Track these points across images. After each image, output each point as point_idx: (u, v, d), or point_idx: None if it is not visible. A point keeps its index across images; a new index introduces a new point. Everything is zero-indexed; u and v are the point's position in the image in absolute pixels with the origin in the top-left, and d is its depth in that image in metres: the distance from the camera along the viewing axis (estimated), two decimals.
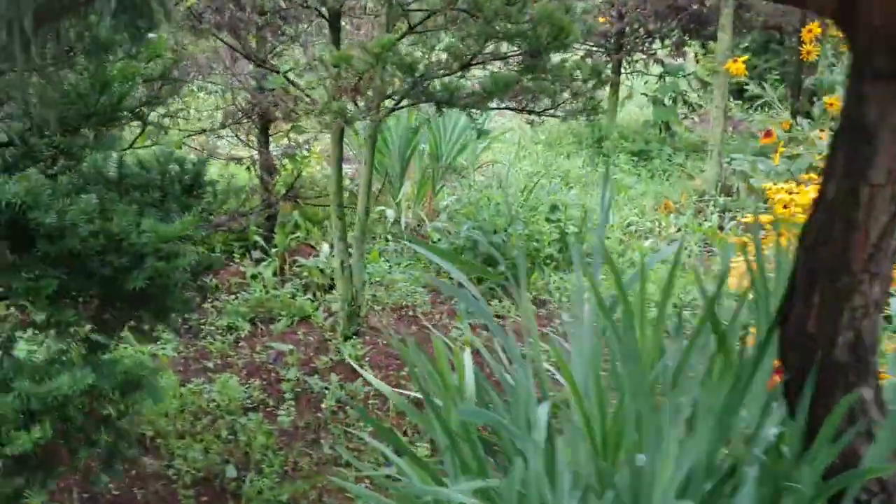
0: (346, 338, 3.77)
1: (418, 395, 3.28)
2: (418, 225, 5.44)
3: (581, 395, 1.87)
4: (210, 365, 3.58)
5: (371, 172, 3.71)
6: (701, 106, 8.03)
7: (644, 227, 5.59)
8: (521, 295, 2.20)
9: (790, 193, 3.34)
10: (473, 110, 3.05)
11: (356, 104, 3.04)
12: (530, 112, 3.23)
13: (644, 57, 7.66)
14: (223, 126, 4.12)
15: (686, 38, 7.37)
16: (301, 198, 4.97)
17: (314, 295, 4.35)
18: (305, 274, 4.55)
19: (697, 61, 7.82)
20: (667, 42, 7.45)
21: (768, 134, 5.98)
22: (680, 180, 6.72)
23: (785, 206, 3.49)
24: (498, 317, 4.16)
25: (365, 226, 3.75)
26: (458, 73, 3.11)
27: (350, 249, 3.79)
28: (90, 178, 2.04)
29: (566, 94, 3.26)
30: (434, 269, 4.71)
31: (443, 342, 2.39)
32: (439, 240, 4.90)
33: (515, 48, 3.00)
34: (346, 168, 5.76)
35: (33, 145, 2.03)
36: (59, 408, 1.64)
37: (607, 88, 7.59)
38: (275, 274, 4.52)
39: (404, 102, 3.21)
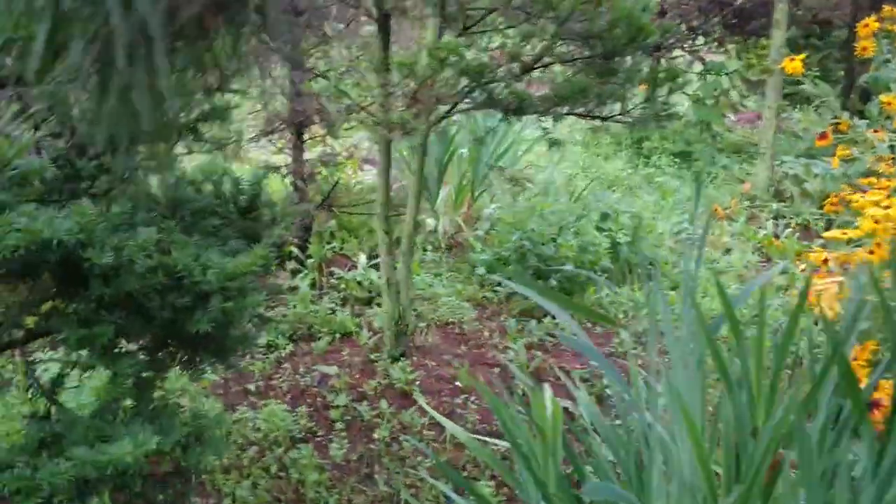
0: (394, 359, 3.54)
1: (468, 425, 3.05)
2: (455, 232, 5.21)
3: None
4: (252, 388, 3.36)
5: (421, 183, 3.48)
6: (744, 105, 7.75)
7: (695, 234, 5.33)
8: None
9: (884, 207, 3.09)
10: (542, 117, 2.82)
11: (415, 112, 2.80)
12: (597, 118, 2.99)
13: (685, 54, 7.38)
14: (265, 134, 3.90)
15: (728, 34, 7.09)
16: (336, 206, 4.75)
17: (353, 309, 4.13)
18: (343, 287, 4.34)
19: (740, 58, 7.54)
20: (708, 39, 7.18)
21: (823, 136, 5.71)
22: (726, 184, 6.46)
23: (877, 221, 3.24)
24: (550, 335, 3.93)
25: (413, 240, 3.52)
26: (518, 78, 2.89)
27: (396, 264, 3.56)
28: (141, 203, 1.81)
29: (637, 99, 3.01)
30: (477, 282, 4.48)
31: (526, 381, 2.16)
32: (482, 250, 4.66)
33: (586, 50, 2.76)
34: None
35: (79, 168, 1.81)
36: (118, 476, 1.42)
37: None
38: (312, 286, 4.30)
39: (461, 107, 2.98)
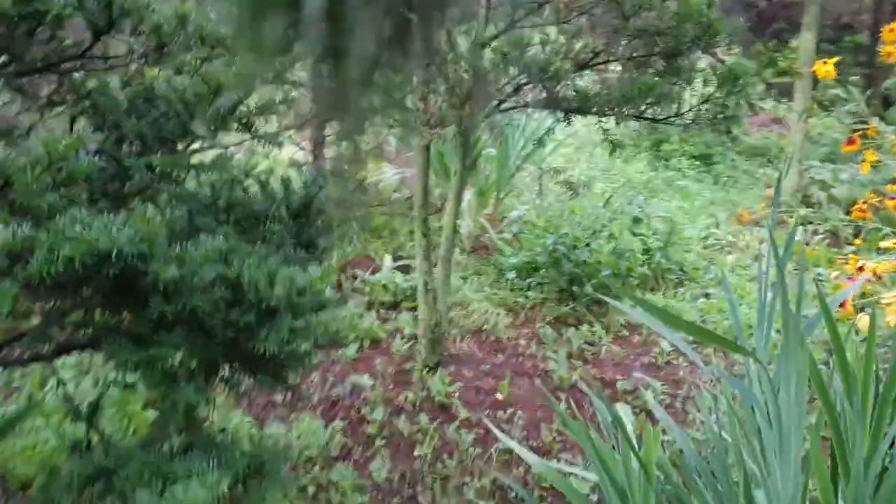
0: (429, 369, 3.36)
1: (510, 441, 2.87)
2: (479, 234, 5.03)
3: None
4: (279, 399, 3.17)
5: (462, 184, 3.30)
6: (763, 108, 7.61)
7: (722, 239, 5.17)
8: None
9: None
10: (603, 118, 2.64)
11: (467, 111, 2.62)
12: (655, 120, 2.81)
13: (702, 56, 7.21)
14: (289, 129, 3.70)
15: (751, 35, 6.93)
16: (359, 206, 4.56)
17: (379, 314, 3.95)
18: (368, 290, 4.15)
19: (761, 61, 7.40)
20: (732, 39, 7.01)
21: (851, 141, 5.56)
22: (749, 188, 6.30)
23: None
24: (589, 343, 3.76)
25: (453, 243, 3.34)
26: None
27: (434, 269, 3.38)
28: (192, 207, 1.63)
29: (693, 101, 2.84)
30: (507, 287, 4.30)
31: (605, 404, 1.98)
32: (511, 253, 4.49)
33: (650, 47, 2.58)
34: (392, 174, 5.35)
35: (126, 165, 1.62)
36: None
37: None
38: (333, 289, 4.11)
39: (511, 106, 2.79)
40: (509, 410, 3.14)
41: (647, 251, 4.42)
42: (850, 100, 5.64)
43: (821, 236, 5.15)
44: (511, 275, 4.33)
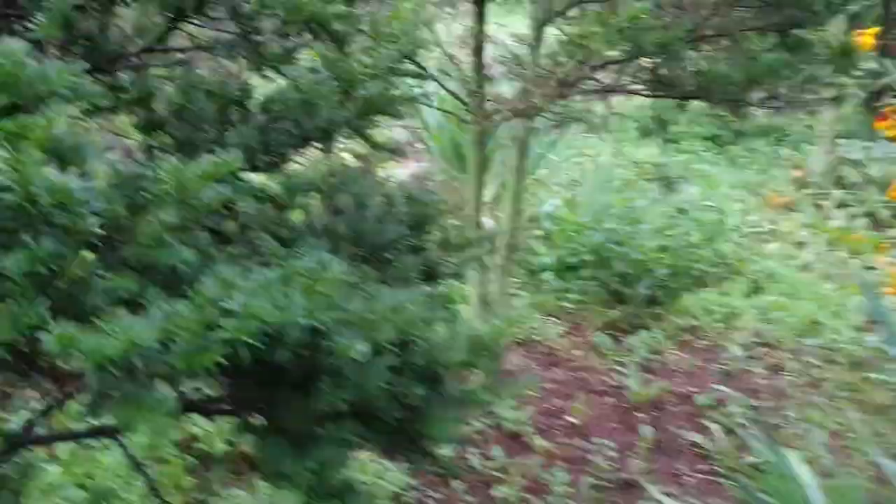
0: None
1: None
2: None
3: None
4: None
5: (521, 183, 2.93)
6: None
7: (758, 226, 4.87)
8: None
9: None
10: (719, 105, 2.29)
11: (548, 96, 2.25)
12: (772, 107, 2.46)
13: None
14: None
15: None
16: None
17: None
18: None
19: None
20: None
21: (883, 116, 5.31)
22: (766, 169, 6.01)
23: None
24: (653, 352, 3.42)
25: (513, 251, 2.97)
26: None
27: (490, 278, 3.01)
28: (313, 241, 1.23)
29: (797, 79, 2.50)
30: (543, 289, 3.93)
31: None
32: (546, 253, 4.12)
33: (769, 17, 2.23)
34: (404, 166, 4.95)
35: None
36: None
37: None
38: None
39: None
40: (588, 438, 2.79)
41: (692, 244, 4.10)
42: (885, 73, 5.37)
43: (862, 219, 4.89)
44: (547, 275, 3.97)
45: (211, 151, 1.24)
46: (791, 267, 4.30)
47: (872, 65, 5.25)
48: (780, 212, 5.14)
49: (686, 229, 4.07)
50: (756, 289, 4.11)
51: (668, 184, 5.34)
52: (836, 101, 2.63)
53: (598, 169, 5.13)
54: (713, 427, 2.94)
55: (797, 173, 5.57)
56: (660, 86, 2.10)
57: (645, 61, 2.04)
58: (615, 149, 5.94)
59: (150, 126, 1.24)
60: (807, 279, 4.15)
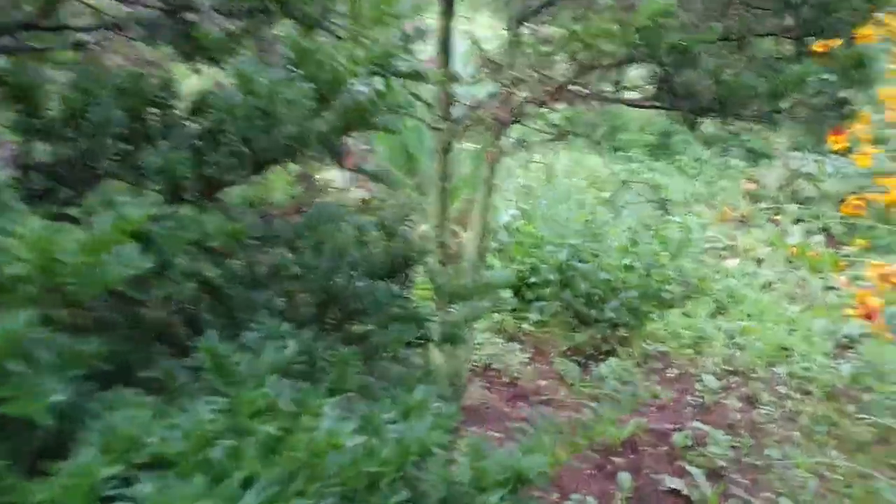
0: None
1: None
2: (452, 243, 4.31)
3: None
4: None
5: (489, 197, 2.59)
6: None
7: (715, 240, 4.67)
8: None
9: None
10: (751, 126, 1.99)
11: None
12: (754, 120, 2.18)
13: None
14: None
15: None
16: None
17: None
18: None
19: None
20: None
21: (838, 130, 5.19)
22: (716, 180, 5.85)
23: None
24: (620, 381, 3.13)
25: (478, 270, 2.63)
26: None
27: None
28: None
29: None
30: (509, 313, 3.60)
31: None
32: (502, 267, 3.80)
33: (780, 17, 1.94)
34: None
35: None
36: None
37: None
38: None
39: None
40: (565, 492, 2.47)
41: (659, 263, 3.84)
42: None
43: (818, 236, 4.74)
44: (505, 293, 3.65)
45: (116, 176, 0.86)
46: (753, 286, 4.10)
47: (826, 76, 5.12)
48: (736, 226, 4.97)
49: (651, 247, 3.82)
50: (720, 309, 3.90)
51: (660, 204, 5.08)
52: (846, 117, 2.38)
53: (553, 178, 4.84)
54: (694, 471, 2.67)
55: (749, 186, 5.42)
56: (672, 97, 1.79)
57: (655, 67, 1.74)
58: (569, 158, 5.68)
59: (29, 133, 0.85)
60: (770, 299, 3.95)
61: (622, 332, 3.41)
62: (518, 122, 2.12)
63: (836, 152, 5.46)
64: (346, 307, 1.01)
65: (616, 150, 6.45)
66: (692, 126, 1.98)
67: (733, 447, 2.82)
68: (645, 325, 3.43)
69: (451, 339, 1.28)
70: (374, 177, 3.16)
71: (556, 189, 4.44)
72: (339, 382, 0.96)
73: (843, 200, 5.07)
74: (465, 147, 4.02)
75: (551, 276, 3.42)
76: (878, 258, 4.47)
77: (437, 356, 2.61)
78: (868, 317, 3.90)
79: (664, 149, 6.47)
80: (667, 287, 3.51)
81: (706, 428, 2.86)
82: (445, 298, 1.31)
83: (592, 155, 6.23)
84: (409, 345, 1.15)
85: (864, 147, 4.94)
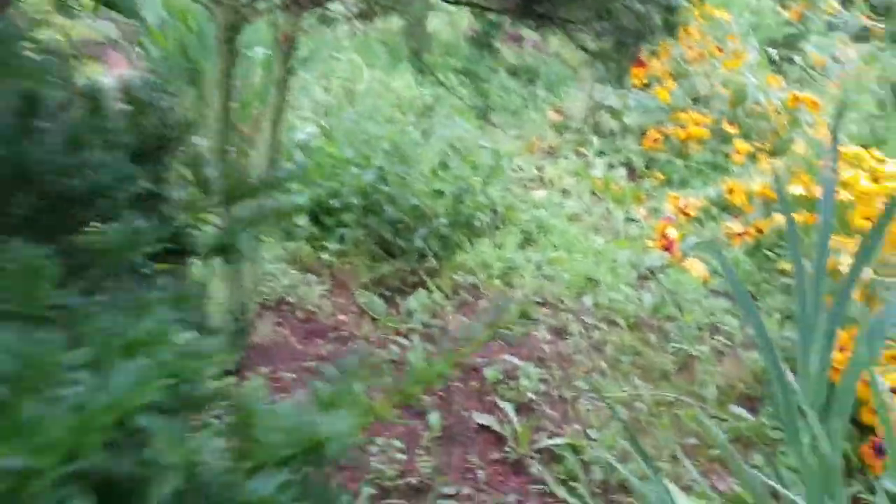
0: (233, 374, 2.28)
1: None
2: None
3: None
4: None
5: (283, 91, 2.20)
6: None
7: (524, 170, 4.55)
8: None
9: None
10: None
11: None
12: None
13: None
14: None
15: None
16: None
17: None
18: None
19: None
20: None
21: (640, 63, 5.23)
22: (522, 110, 5.75)
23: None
24: (432, 314, 2.90)
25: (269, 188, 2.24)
26: None
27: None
28: None
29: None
30: (306, 241, 3.23)
31: None
32: (298, 191, 3.41)
33: None
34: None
35: None
36: None
37: None
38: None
39: None
40: (371, 437, 2.19)
41: (470, 189, 3.63)
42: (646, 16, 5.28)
43: (620, 169, 4.76)
44: (301, 220, 3.28)
45: None
46: (561, 217, 4.02)
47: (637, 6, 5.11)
48: (544, 157, 4.88)
49: (462, 172, 3.59)
50: (529, 240, 3.77)
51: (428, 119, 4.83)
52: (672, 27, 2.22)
53: (355, 95, 4.47)
54: (504, 406, 2.50)
55: (556, 117, 5.35)
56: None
57: None
58: (371, 75, 5.32)
59: None
60: (577, 231, 3.88)
61: (431, 262, 3.17)
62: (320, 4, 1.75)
63: (637, 87, 5.53)
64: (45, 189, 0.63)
65: (422, 71, 6.16)
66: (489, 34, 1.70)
67: (543, 380, 2.69)
68: (455, 255, 3.21)
69: (224, 250, 0.93)
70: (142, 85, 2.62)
71: (361, 107, 4.09)
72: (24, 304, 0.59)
73: (644, 134, 5.14)
74: (257, 49, 3.55)
75: (354, 201, 3.09)
76: (676, 192, 4.57)
77: (216, 284, 2.22)
78: (667, 248, 3.95)
79: (470, 75, 6.27)
80: (478, 215, 3.30)
81: (516, 361, 2.70)
82: (216, 197, 0.95)
83: (399, 75, 5.91)
84: (157, 258, 0.79)
85: (665, 82, 5.00)
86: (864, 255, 1.51)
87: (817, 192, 3.80)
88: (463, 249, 3.22)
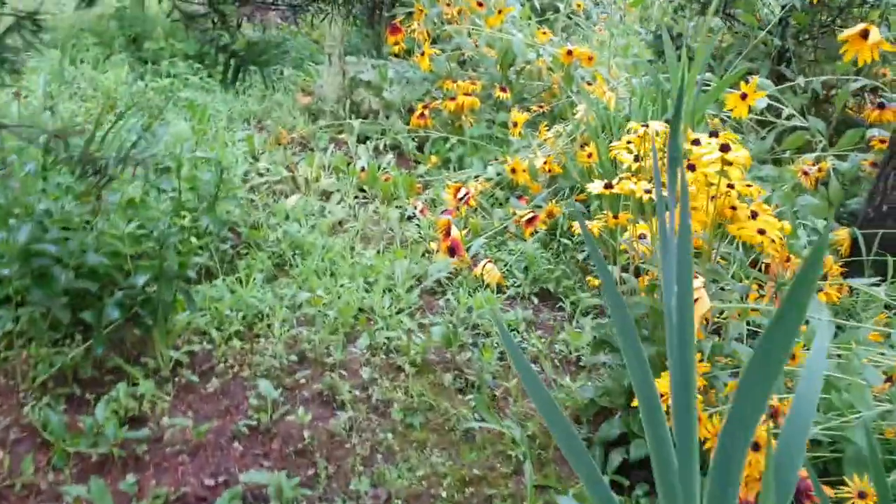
0: None
1: None
2: None
3: None
4: None
5: None
6: None
7: (271, 173, 3.73)
8: None
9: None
10: None
11: None
12: None
13: None
14: None
15: None
16: None
17: None
18: None
19: None
20: None
21: (396, 29, 4.51)
22: (276, 94, 4.89)
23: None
24: (135, 421, 2.04)
25: None
26: None
27: None
28: None
29: None
30: None
31: None
32: None
33: None
34: None
35: None
36: None
37: None
38: None
39: None
40: None
41: (189, 212, 2.77)
42: None
43: (388, 155, 4.06)
44: None
45: None
46: (320, 229, 3.26)
47: None
48: (295, 151, 4.07)
49: (175, 197, 2.72)
50: (281, 266, 2.99)
51: (147, 120, 3.88)
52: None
53: (26, 104, 3.42)
54: None
55: (305, 100, 4.54)
56: None
57: None
58: (78, 72, 4.24)
59: None
60: (342, 244, 3.14)
61: (138, 334, 2.30)
62: None
63: (395, 55, 4.83)
64: None
65: (144, 62, 5.11)
66: None
67: (304, 496, 1.94)
68: (172, 318, 2.36)
69: None
70: None
71: (34, 121, 3.07)
72: None
73: (410, 111, 4.48)
74: None
75: (6, 272, 2.14)
76: (454, 175, 3.95)
77: None
78: (452, 251, 3.31)
79: (206, 59, 5.29)
80: (200, 252, 2.47)
81: (264, 475, 1.93)
82: None
83: (112, 68, 4.82)
84: None
85: (424, 47, 4.29)
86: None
87: (606, 162, 3.30)
88: (181, 307, 2.37)
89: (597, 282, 2.93)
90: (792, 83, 4.37)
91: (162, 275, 2.25)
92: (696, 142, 1.89)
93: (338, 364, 2.44)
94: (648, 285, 2.07)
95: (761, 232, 1.81)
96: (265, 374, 2.33)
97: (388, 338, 2.56)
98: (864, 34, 2.48)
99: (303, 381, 2.35)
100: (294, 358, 2.42)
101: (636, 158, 2.06)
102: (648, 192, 1.88)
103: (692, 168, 1.85)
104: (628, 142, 2.07)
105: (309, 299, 2.68)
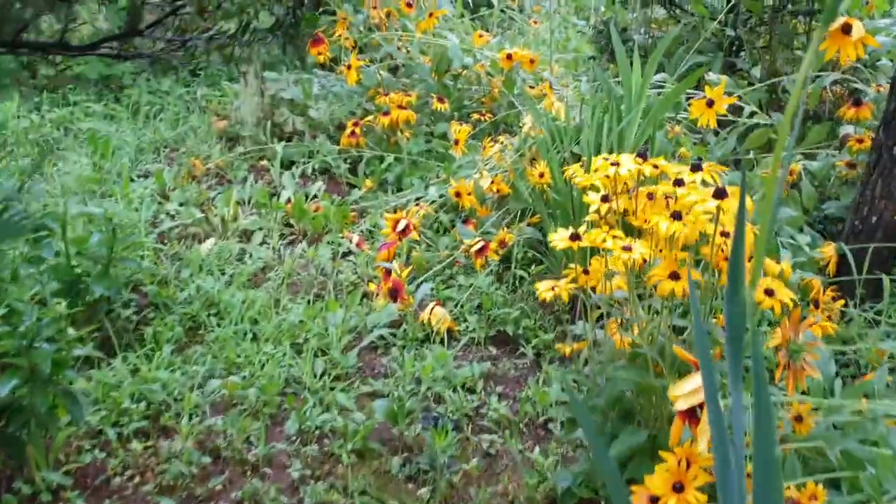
0: None
1: None
2: None
3: None
4: None
5: None
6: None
7: (185, 216, 3.27)
8: None
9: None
10: None
11: None
12: None
13: None
14: None
15: None
16: None
17: None
18: None
19: None
20: None
21: (317, 41, 4.06)
22: (191, 118, 4.42)
23: None
24: None
25: None
26: None
27: None
28: None
29: None
30: None
31: None
32: None
33: None
34: None
35: None
36: None
37: None
38: None
39: None
40: None
41: (71, 286, 2.32)
42: None
43: (317, 182, 3.64)
44: None
45: None
46: (240, 280, 2.83)
47: None
48: (211, 184, 3.63)
49: (60, 253, 2.27)
50: (194, 331, 2.56)
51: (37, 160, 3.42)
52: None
53: None
54: None
55: (220, 124, 4.09)
56: None
57: None
58: None
59: None
60: (265, 298, 2.72)
61: (7, 455, 1.86)
62: None
63: (321, 65, 4.40)
64: None
65: (41, 90, 4.58)
66: None
67: None
68: (52, 429, 1.91)
69: None
70: None
71: None
72: None
73: (340, 128, 4.06)
74: None
75: None
76: (392, 199, 3.56)
77: None
78: (395, 295, 2.91)
79: (111, 82, 4.80)
80: (83, 341, 2.03)
81: None
82: None
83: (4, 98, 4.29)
84: None
85: (351, 58, 3.88)
86: None
87: (560, 182, 2.94)
88: (62, 413, 1.93)
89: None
90: (744, 73, 4.07)
91: (33, 379, 1.81)
92: (678, 182, 1.53)
93: (261, 460, 2.03)
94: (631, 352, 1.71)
95: (769, 293, 1.46)
96: (172, 485, 1.91)
97: (322, 420, 2.16)
98: (846, 29, 2.15)
99: (219, 488, 1.93)
100: (207, 459, 2.00)
101: (604, 199, 1.70)
102: (628, 249, 1.51)
103: (678, 217, 1.48)
104: (591, 184, 1.70)
105: (224, 368, 2.26)
